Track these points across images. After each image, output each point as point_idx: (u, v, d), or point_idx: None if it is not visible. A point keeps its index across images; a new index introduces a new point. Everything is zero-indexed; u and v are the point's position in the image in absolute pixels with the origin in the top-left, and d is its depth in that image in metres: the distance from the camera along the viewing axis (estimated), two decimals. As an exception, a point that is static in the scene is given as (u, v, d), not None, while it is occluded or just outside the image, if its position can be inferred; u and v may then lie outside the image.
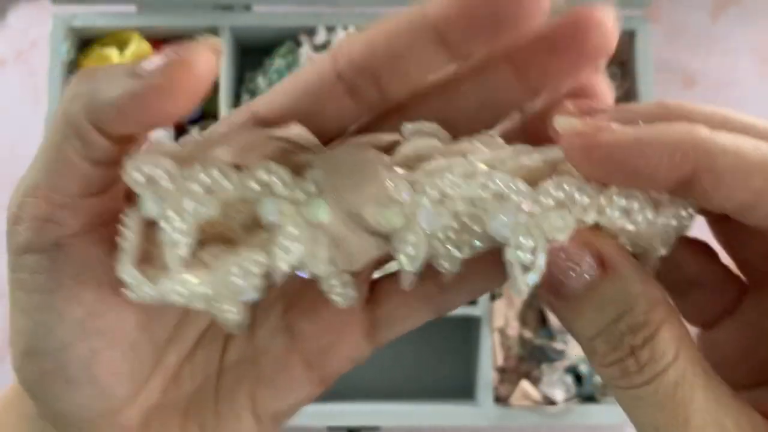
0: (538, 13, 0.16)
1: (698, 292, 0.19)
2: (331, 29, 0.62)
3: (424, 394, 0.64)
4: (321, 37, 0.62)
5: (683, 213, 0.16)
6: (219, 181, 0.16)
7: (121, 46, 0.62)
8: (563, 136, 0.16)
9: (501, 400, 0.59)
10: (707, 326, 0.19)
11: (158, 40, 0.63)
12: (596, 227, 0.16)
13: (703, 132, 0.15)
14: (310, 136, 0.17)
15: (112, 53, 0.62)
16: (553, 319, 0.61)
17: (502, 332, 0.61)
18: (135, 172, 0.16)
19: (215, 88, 0.62)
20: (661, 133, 0.15)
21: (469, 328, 0.63)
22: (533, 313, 0.63)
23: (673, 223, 0.16)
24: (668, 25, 0.72)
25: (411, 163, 0.17)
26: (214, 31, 0.62)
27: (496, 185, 0.16)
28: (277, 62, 0.63)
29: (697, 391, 0.15)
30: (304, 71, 0.17)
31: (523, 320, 0.62)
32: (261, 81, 0.63)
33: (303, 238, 0.16)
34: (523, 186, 0.16)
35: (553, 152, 0.16)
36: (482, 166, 0.16)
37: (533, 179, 0.16)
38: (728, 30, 0.72)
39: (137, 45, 0.61)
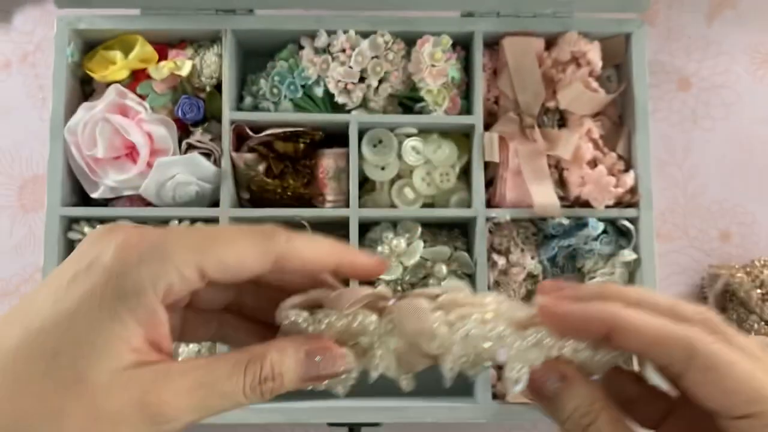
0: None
1: (638, 405, 0.29)
2: (332, 33, 0.62)
3: (424, 391, 0.65)
4: (322, 40, 0.62)
5: (613, 354, 0.28)
6: (332, 321, 0.30)
7: (126, 49, 0.63)
8: (539, 308, 0.28)
9: (499, 396, 0.60)
10: (654, 428, 0.29)
11: (162, 44, 0.64)
12: (559, 357, 0.28)
13: (617, 309, 0.27)
14: (389, 291, 0.31)
15: (117, 56, 0.62)
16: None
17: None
18: (283, 318, 0.30)
19: (218, 91, 0.63)
20: (589, 309, 0.27)
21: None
22: (531, 311, 0.64)
23: (607, 358, 0.28)
24: (664, 27, 0.72)
25: (449, 308, 0.29)
26: (217, 34, 0.63)
27: (497, 331, 0.29)
28: (279, 65, 0.64)
29: None
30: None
31: (521, 319, 0.63)
32: (263, 83, 0.63)
33: (385, 356, 0.30)
34: (509, 332, 0.29)
35: (533, 311, 0.29)
36: (490, 315, 0.29)
37: (522, 325, 0.29)
38: (723, 33, 0.72)
39: (141, 48, 0.62)
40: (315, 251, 0.29)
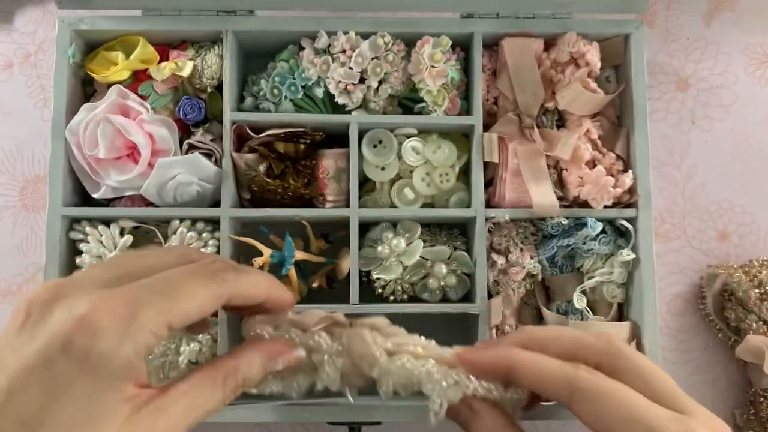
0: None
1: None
2: (332, 34, 0.63)
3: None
4: (323, 41, 0.63)
5: (519, 393, 0.35)
6: (293, 337, 0.37)
7: (127, 49, 0.63)
8: (456, 354, 0.36)
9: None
10: None
11: (163, 44, 0.64)
12: (474, 395, 0.35)
13: (515, 352, 0.34)
14: (343, 318, 0.39)
15: (118, 57, 0.62)
16: (549, 317, 0.62)
17: (499, 330, 0.62)
18: (250, 331, 0.37)
19: (219, 92, 0.63)
20: (491, 353, 0.35)
21: (467, 324, 0.64)
22: (530, 310, 0.64)
23: (514, 397, 0.35)
24: (662, 28, 0.73)
25: (386, 335, 0.38)
26: (218, 35, 0.63)
27: (427, 368, 0.36)
28: (280, 66, 0.64)
29: None
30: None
31: (520, 318, 0.63)
32: (264, 84, 0.64)
33: (331, 373, 0.37)
34: (436, 369, 0.36)
35: (454, 352, 0.37)
36: (420, 350, 0.37)
37: (447, 362, 0.36)
38: (722, 34, 0.73)
39: (142, 49, 0.62)
40: (255, 289, 0.35)
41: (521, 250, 0.62)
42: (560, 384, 0.32)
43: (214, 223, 0.62)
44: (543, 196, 0.61)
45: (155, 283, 0.30)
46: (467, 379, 0.35)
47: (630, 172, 0.62)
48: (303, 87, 0.63)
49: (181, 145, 0.62)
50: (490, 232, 0.62)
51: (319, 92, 0.63)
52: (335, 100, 0.63)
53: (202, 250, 0.60)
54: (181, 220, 0.61)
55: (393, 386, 0.36)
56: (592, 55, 0.63)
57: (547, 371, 0.33)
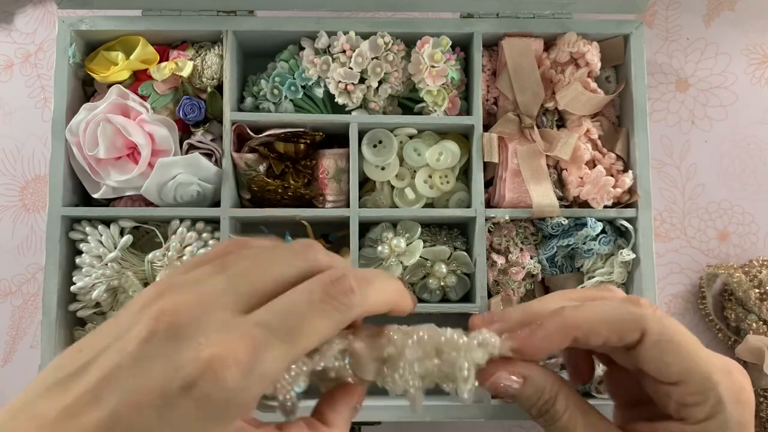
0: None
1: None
2: (332, 34, 0.63)
3: (424, 390, 0.65)
4: (323, 41, 0.63)
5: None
6: (310, 365, 0.31)
7: (127, 49, 0.63)
8: (511, 350, 0.32)
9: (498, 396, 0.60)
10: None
11: (163, 45, 0.64)
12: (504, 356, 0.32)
13: (569, 313, 0.32)
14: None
15: (118, 57, 0.62)
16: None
17: (500, 330, 0.62)
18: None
19: (219, 92, 0.63)
20: (548, 327, 0.32)
21: (467, 325, 0.64)
22: (530, 311, 0.64)
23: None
24: (662, 28, 0.73)
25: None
26: (218, 35, 0.63)
27: (446, 336, 0.32)
28: (280, 66, 0.64)
29: (578, 421, 0.32)
30: None
31: (520, 318, 0.63)
32: (264, 84, 0.64)
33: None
34: (459, 335, 0.32)
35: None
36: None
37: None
38: (722, 34, 0.73)
39: (142, 49, 0.62)
40: (380, 304, 0.32)
41: (521, 250, 0.62)
42: (630, 325, 0.30)
43: (214, 223, 0.62)
44: (543, 196, 0.61)
45: (280, 321, 0.28)
46: (491, 337, 0.32)
47: (630, 172, 0.62)
48: (303, 87, 0.63)
49: (181, 145, 0.62)
50: (490, 232, 0.62)
51: (319, 92, 0.63)
52: (335, 100, 0.63)
53: (202, 250, 0.60)
54: (181, 220, 0.61)
55: (407, 371, 0.32)
56: (592, 55, 0.63)
57: (613, 315, 0.31)
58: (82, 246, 0.61)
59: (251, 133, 0.62)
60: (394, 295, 0.32)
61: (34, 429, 0.25)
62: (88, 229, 0.61)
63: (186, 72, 0.62)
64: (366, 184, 0.65)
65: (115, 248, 0.60)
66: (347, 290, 0.30)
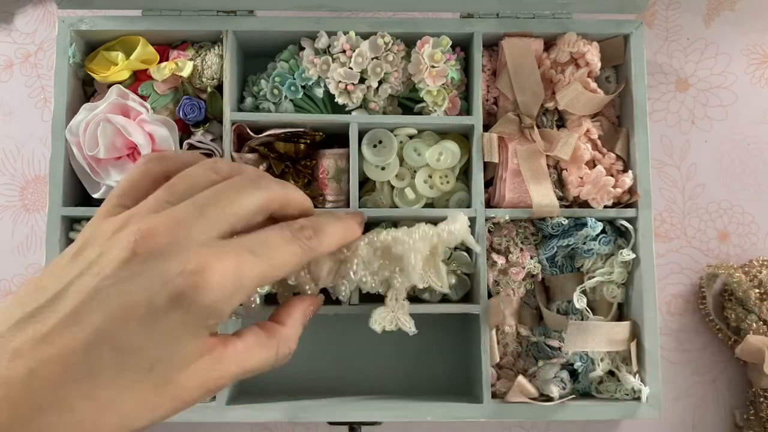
0: None
1: None
2: (332, 34, 0.63)
3: (424, 390, 0.65)
4: (323, 41, 0.63)
5: None
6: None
7: (127, 49, 0.63)
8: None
9: (498, 396, 0.60)
10: None
11: (163, 45, 0.64)
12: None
13: None
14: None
15: (118, 57, 0.62)
16: (549, 318, 0.62)
17: (500, 329, 0.62)
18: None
19: (219, 92, 0.63)
20: None
21: (468, 325, 0.64)
22: (530, 310, 0.64)
23: None
24: (662, 28, 0.73)
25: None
26: (218, 35, 0.63)
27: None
28: (280, 66, 0.64)
29: None
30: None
31: (520, 318, 0.63)
32: (264, 84, 0.64)
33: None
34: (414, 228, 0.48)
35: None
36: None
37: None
38: (722, 34, 0.73)
39: (142, 49, 0.62)
40: (336, 241, 0.41)
41: (521, 250, 0.62)
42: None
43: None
44: (543, 196, 0.61)
45: (259, 247, 0.33)
46: (429, 230, 0.44)
47: (630, 172, 0.62)
48: (303, 87, 0.63)
49: (181, 145, 0.62)
50: (490, 232, 0.62)
51: (319, 92, 0.63)
52: (335, 100, 0.63)
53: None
54: (181, 220, 0.61)
55: (360, 267, 0.44)
56: (592, 55, 0.63)
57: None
58: (82, 246, 0.61)
59: (251, 133, 0.62)
60: (344, 235, 0.43)
61: (8, 361, 0.25)
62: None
63: (186, 72, 0.62)
64: (366, 184, 0.65)
65: (115, 248, 0.60)
66: (309, 236, 0.37)
